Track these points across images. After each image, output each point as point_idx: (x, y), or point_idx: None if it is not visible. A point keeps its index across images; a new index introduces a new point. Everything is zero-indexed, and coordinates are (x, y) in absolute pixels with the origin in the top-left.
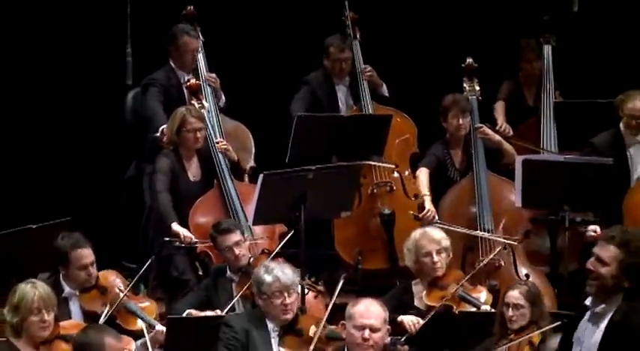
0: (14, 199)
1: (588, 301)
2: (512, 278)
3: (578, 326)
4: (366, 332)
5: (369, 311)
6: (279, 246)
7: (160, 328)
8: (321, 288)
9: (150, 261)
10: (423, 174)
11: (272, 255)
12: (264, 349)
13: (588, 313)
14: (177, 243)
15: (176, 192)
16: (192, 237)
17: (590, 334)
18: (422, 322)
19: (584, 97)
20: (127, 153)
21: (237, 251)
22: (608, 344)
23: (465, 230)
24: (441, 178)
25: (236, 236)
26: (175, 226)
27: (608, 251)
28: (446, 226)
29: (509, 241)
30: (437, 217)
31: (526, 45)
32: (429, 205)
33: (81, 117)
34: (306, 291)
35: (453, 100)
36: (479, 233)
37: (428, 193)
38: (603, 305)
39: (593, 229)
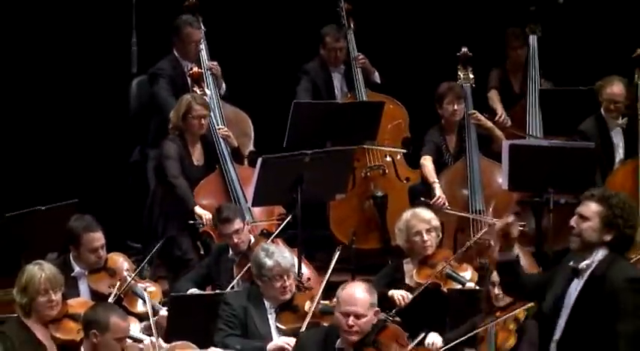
0: (24, 182)
1: (572, 263)
2: None
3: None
4: (351, 319)
5: (354, 299)
6: (278, 229)
7: (164, 313)
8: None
9: (159, 244)
10: (428, 162)
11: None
12: (261, 325)
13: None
14: (201, 224)
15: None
16: (212, 218)
17: (573, 288)
18: (411, 296)
19: (568, 84)
20: (132, 138)
21: (236, 239)
22: (586, 296)
23: (453, 211)
24: (436, 163)
25: (236, 224)
26: (198, 209)
27: (589, 207)
28: (455, 212)
29: (504, 222)
30: (447, 204)
31: (512, 34)
32: (439, 192)
33: (88, 104)
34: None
35: (448, 87)
36: (468, 214)
37: (436, 180)
38: (587, 261)
39: None
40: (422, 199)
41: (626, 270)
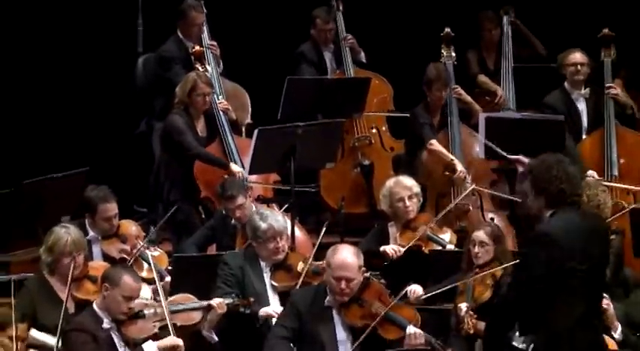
0: (39, 152)
1: None
2: (479, 220)
3: None
4: (343, 283)
5: (346, 264)
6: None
7: (168, 279)
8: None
9: (170, 212)
10: (436, 145)
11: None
12: (257, 283)
13: None
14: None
15: None
16: (246, 173)
17: None
18: (402, 249)
19: (539, 62)
20: (138, 111)
21: (238, 213)
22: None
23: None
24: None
25: (239, 200)
26: (234, 166)
27: (525, 184)
28: (482, 189)
29: (476, 188)
30: (468, 178)
31: (485, 16)
32: (460, 166)
33: (98, 80)
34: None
35: (438, 75)
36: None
37: (453, 157)
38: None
39: None
40: (446, 173)
41: (551, 223)
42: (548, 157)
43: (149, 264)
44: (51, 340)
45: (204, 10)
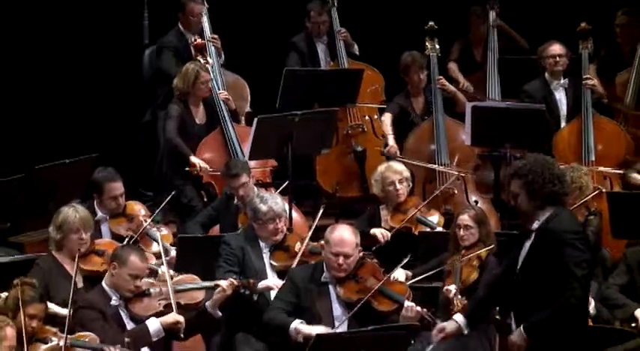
0: (51, 139)
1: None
2: (464, 204)
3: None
4: (341, 259)
5: (344, 241)
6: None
7: (173, 253)
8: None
9: (172, 195)
10: (387, 118)
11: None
12: (257, 262)
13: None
14: (196, 172)
15: (186, 133)
16: (208, 167)
17: (526, 247)
18: (389, 234)
19: (522, 54)
20: (144, 101)
21: (242, 192)
22: (533, 249)
23: (421, 163)
24: (404, 123)
25: (243, 178)
26: (193, 158)
27: (514, 185)
28: (406, 160)
29: (461, 173)
30: (398, 152)
31: (474, 12)
32: (392, 141)
33: (106, 71)
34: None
35: (412, 60)
36: (434, 166)
37: (391, 132)
38: (536, 223)
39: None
40: (377, 148)
41: (564, 223)
42: (536, 158)
43: (155, 240)
44: (63, 311)
45: (205, 3)
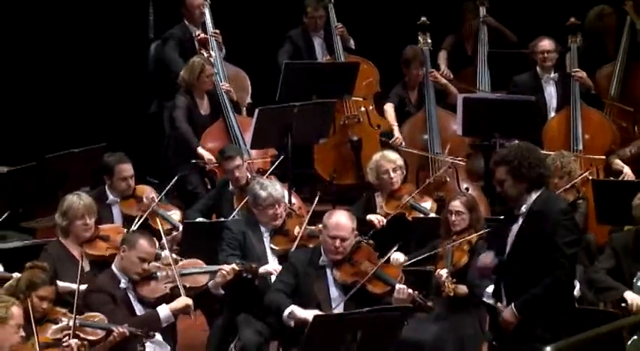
0: (61, 129)
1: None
2: (455, 191)
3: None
4: (337, 242)
5: (340, 225)
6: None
7: (181, 228)
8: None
9: (176, 178)
10: (390, 108)
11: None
12: (258, 246)
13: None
14: (202, 163)
15: (192, 123)
16: (213, 158)
17: (514, 230)
18: (385, 220)
19: (512, 48)
20: (150, 93)
21: (237, 174)
22: (524, 230)
23: (422, 153)
24: (400, 113)
25: (237, 161)
26: (200, 150)
27: (498, 171)
28: (410, 150)
29: (453, 161)
30: (404, 143)
31: (467, 8)
32: (397, 133)
33: (113, 64)
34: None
35: (414, 55)
36: (439, 156)
37: (396, 124)
38: (524, 207)
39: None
40: (382, 138)
41: (554, 204)
42: (519, 145)
43: (163, 217)
44: (74, 285)
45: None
